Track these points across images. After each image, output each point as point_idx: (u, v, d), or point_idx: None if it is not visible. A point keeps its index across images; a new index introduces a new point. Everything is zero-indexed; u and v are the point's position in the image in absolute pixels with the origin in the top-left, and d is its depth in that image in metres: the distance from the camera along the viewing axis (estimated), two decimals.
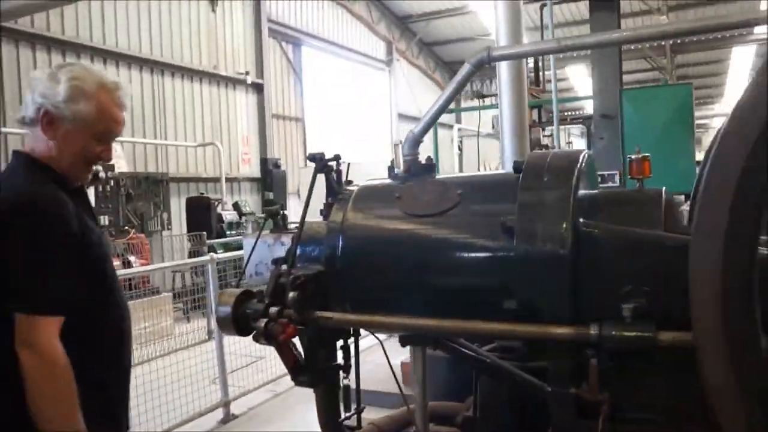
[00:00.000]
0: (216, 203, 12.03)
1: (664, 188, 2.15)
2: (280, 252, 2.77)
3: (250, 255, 2.72)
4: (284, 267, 2.51)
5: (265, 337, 2.27)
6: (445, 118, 22.08)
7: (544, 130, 10.54)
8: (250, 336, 2.42)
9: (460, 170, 17.73)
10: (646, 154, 2.19)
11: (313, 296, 2.32)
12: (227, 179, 13.61)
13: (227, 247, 9.56)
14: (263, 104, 15.49)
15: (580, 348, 1.85)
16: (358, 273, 2.33)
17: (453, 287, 2.17)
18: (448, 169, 18.51)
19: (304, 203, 2.49)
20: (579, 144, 20.32)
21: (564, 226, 1.91)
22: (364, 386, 4.44)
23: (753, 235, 1.46)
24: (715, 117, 22.36)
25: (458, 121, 24.78)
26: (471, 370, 3.01)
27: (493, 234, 2.05)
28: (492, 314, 2.01)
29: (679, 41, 21.73)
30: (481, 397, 2.96)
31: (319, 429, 2.69)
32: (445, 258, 2.15)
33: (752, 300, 1.47)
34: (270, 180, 14.67)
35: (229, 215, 11.73)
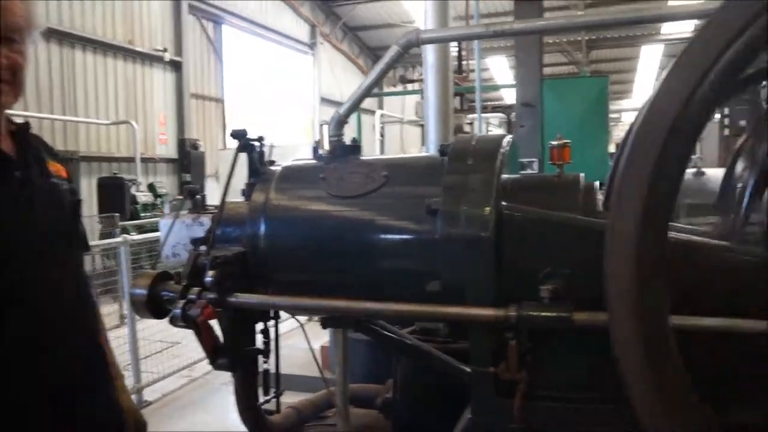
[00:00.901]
0: (130, 184, 11.56)
1: (582, 174, 2.22)
2: (199, 232, 2.69)
3: (167, 235, 2.62)
4: (203, 248, 2.44)
5: (182, 319, 2.20)
6: (367, 103, 22.09)
7: (465, 117, 10.73)
8: (166, 320, 2.34)
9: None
10: (567, 141, 2.25)
11: (233, 277, 2.26)
12: (142, 159, 13.09)
13: (141, 230, 9.21)
14: (181, 83, 14.97)
15: (501, 329, 1.89)
16: (280, 254, 2.29)
17: (377, 269, 2.16)
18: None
19: (223, 184, 2.42)
20: (496, 132, 20.81)
21: (487, 208, 1.94)
22: (282, 370, 4.41)
23: (665, 219, 1.53)
24: (624, 112, 23.44)
25: (381, 107, 24.88)
26: (391, 352, 3.04)
27: (417, 216, 2.06)
28: (416, 296, 2.01)
29: (594, 37, 22.62)
30: (401, 379, 2.99)
31: (236, 414, 2.65)
32: (369, 239, 2.14)
33: (664, 281, 1.54)
34: (188, 161, 14.23)
35: (143, 197, 11.30)
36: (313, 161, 2.47)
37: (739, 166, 2.20)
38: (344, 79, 23.69)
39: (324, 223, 2.23)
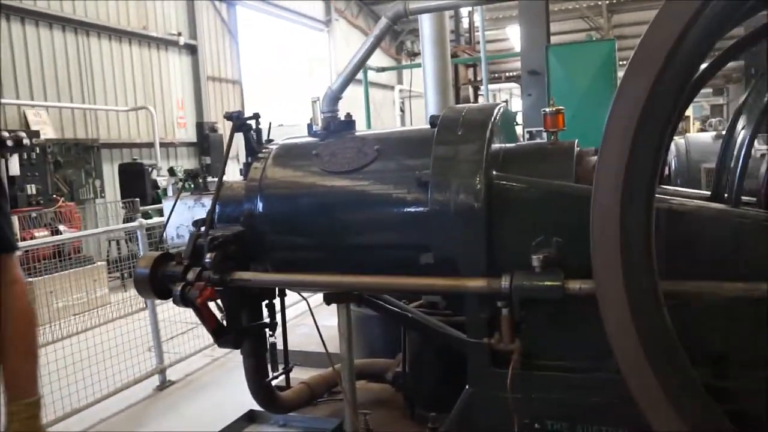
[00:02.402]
0: (150, 169, 11.67)
1: (576, 140, 2.19)
2: (201, 213, 2.71)
3: (169, 217, 2.65)
4: (203, 228, 2.47)
5: (182, 300, 2.24)
6: (384, 78, 21.93)
7: (479, 89, 10.59)
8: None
9: None
10: (561, 107, 2.22)
11: (232, 257, 2.29)
12: (162, 144, 13.17)
13: (162, 213, 9.33)
14: (197, 66, 14.96)
15: (495, 299, 1.88)
16: (277, 232, 2.31)
17: (370, 243, 2.17)
18: None
19: (222, 163, 2.43)
20: (516, 103, 20.53)
21: (477, 179, 1.93)
22: (301, 348, 4.45)
23: (650, 183, 1.50)
24: None
25: (400, 81, 24.64)
26: (400, 327, 3.06)
27: (409, 189, 2.05)
28: (411, 269, 2.02)
29: (615, 0, 22.05)
30: (409, 353, 3.01)
31: None
32: (362, 214, 2.15)
33: (649, 248, 1.52)
34: (207, 144, 14.28)
35: (164, 181, 11.39)
36: (309, 138, 2.47)
37: (740, 125, 2.15)
38: None
39: (317, 199, 2.24)
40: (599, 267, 1.56)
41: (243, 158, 2.56)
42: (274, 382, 2.73)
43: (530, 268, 1.84)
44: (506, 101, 20.73)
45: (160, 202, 10.78)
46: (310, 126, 2.49)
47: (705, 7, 1.37)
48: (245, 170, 2.51)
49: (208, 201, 2.73)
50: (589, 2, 22.28)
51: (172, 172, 11.38)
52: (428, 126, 2.18)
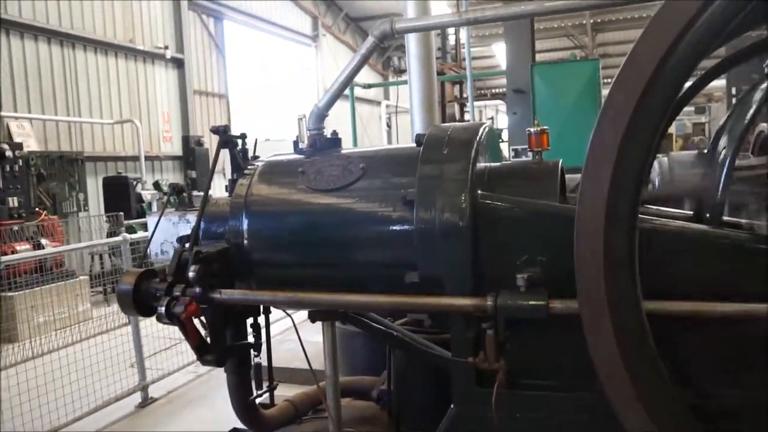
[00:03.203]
0: (135, 183, 11.60)
1: (560, 160, 2.21)
2: (186, 230, 2.70)
3: (153, 233, 2.63)
4: (188, 244, 2.46)
5: (167, 316, 2.21)
6: (371, 94, 22.01)
7: (465, 106, 10.68)
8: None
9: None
10: (545, 127, 2.23)
11: (217, 273, 2.27)
12: (147, 158, 13.12)
13: (147, 228, 9.27)
14: (184, 80, 14.97)
15: (480, 318, 1.88)
16: (262, 249, 2.30)
17: (356, 261, 2.16)
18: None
19: (207, 180, 2.42)
20: (502, 119, 20.70)
21: (462, 197, 1.93)
22: (286, 364, 4.41)
23: (633, 204, 1.51)
24: None
25: (386, 97, 24.75)
26: (385, 344, 3.05)
27: (394, 207, 2.05)
28: (397, 287, 2.01)
29: (600, 20, 22.35)
30: (395, 371, 3.00)
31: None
32: (348, 232, 2.14)
33: (632, 268, 1.53)
34: (193, 158, 14.24)
35: (149, 195, 11.33)
36: (295, 155, 2.47)
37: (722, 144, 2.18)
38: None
39: (303, 216, 2.23)
40: (583, 287, 1.57)
41: (229, 173, 2.56)
42: (258, 400, 2.70)
43: (515, 287, 1.84)
44: (492, 118, 20.90)
45: (145, 216, 10.72)
46: (296, 143, 2.49)
47: (694, 23, 1.38)
48: (231, 187, 2.50)
49: (192, 217, 2.71)
50: (573, 21, 22.62)
51: (157, 186, 11.32)
52: (414, 144, 2.18)
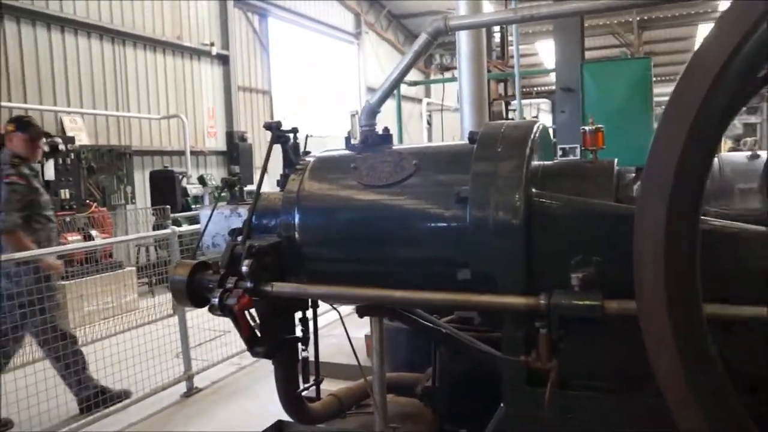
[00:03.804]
0: (181, 177, 11.85)
1: (615, 159, 2.18)
2: (237, 223, 2.74)
3: (206, 226, 2.69)
4: (240, 238, 2.50)
5: (219, 308, 2.26)
6: (412, 91, 21.98)
7: (509, 104, 10.58)
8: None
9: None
10: (600, 126, 2.21)
11: (269, 267, 2.31)
12: (192, 152, 13.38)
13: (192, 221, 9.44)
14: (229, 76, 15.21)
15: (532, 317, 1.87)
16: (313, 244, 2.32)
17: (408, 257, 2.17)
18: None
19: (260, 174, 2.46)
20: (546, 118, 20.44)
21: (517, 196, 1.92)
22: (329, 359, 4.46)
23: (695, 204, 1.48)
24: None
25: (427, 95, 24.70)
26: (430, 341, 3.05)
27: (447, 204, 2.05)
28: (447, 284, 2.01)
29: (646, 17, 21.88)
30: (440, 368, 3.00)
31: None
32: (400, 228, 2.15)
33: (694, 268, 1.50)
34: (236, 154, 14.46)
35: (194, 189, 11.56)
36: (346, 151, 2.49)
37: None
38: (389, 68, 23.48)
39: (355, 212, 2.25)
40: (641, 288, 1.55)
41: (271, 169, 2.59)
42: (303, 394, 2.73)
43: (568, 286, 1.83)
44: (536, 117, 20.66)
45: (190, 210, 10.95)
46: (347, 139, 2.51)
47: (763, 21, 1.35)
48: (282, 181, 2.53)
49: (244, 211, 2.76)
50: (619, 19, 22.16)
51: (202, 180, 11.53)
52: (466, 142, 2.18)
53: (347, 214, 2.27)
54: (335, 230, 2.28)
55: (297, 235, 2.33)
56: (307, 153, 2.63)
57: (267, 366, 5.57)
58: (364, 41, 21.94)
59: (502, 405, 2.05)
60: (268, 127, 2.53)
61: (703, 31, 24.68)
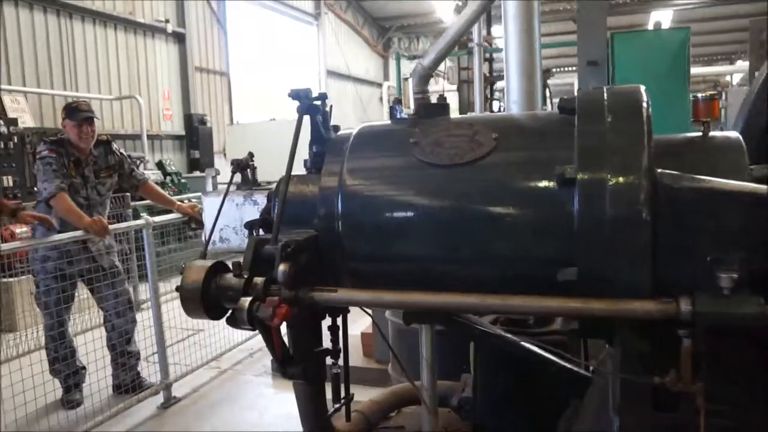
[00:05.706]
0: (138, 162, 11.09)
1: (737, 133, 1.81)
2: (252, 212, 2.28)
3: (217, 217, 2.20)
4: (262, 232, 2.05)
5: (249, 320, 1.79)
6: (371, 74, 21.50)
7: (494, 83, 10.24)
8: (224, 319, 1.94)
9: None
10: (714, 92, 1.83)
11: (305, 268, 1.85)
12: (148, 137, 12.61)
13: (151, 210, 8.78)
14: (185, 56, 14.39)
15: (670, 327, 1.48)
16: (360, 238, 1.88)
17: (489, 255, 1.75)
18: None
19: (289, 153, 1.98)
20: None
21: (640, 177, 1.53)
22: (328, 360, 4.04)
23: None
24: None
25: (386, 78, 24.30)
26: (464, 345, 2.67)
27: (545, 188, 1.64)
28: (543, 288, 1.61)
29: None
30: (480, 377, 2.62)
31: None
32: (480, 217, 1.72)
33: None
34: (196, 138, 13.69)
35: (152, 175, 10.83)
36: (393, 124, 2.05)
37: None
38: (349, 50, 23.02)
39: (418, 198, 1.81)
40: None
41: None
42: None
43: (710, 288, 1.45)
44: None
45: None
46: (393, 109, 2.06)
47: None
48: (312, 160, 2.08)
49: (260, 197, 2.29)
50: None
51: (161, 165, 10.82)
52: (557, 111, 1.77)
53: (408, 200, 1.82)
54: (392, 221, 1.84)
55: (340, 228, 1.88)
56: (336, 128, 2.18)
57: (249, 369, 5.07)
58: (324, 23, 21.32)
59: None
60: (295, 96, 2.06)
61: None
